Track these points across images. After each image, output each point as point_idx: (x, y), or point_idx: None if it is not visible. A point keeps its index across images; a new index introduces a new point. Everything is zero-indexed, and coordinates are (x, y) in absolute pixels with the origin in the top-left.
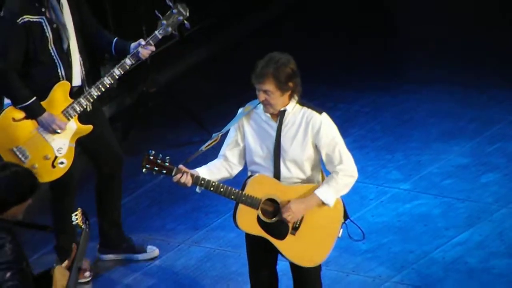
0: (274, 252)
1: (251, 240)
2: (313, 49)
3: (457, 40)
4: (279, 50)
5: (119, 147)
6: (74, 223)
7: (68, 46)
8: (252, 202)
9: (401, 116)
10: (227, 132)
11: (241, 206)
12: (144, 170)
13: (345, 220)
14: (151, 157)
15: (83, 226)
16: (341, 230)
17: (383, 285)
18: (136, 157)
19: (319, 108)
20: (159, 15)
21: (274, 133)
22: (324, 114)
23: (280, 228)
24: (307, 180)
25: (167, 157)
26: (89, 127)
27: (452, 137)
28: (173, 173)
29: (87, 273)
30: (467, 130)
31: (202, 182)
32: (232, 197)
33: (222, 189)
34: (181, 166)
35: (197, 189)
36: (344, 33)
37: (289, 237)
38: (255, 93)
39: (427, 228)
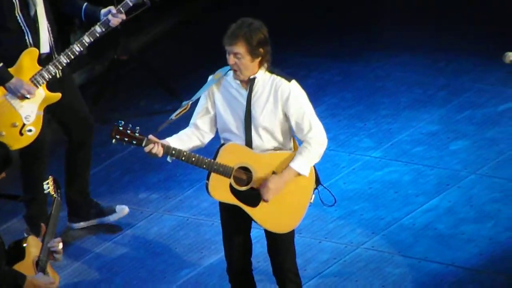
0: (248, 220)
1: (225, 208)
2: (287, 18)
3: (430, 8)
4: (253, 17)
5: (90, 115)
6: (45, 191)
7: (36, 12)
8: (224, 171)
9: (372, 84)
10: (198, 100)
11: (213, 175)
12: (113, 141)
13: (317, 186)
14: (121, 128)
15: (55, 195)
16: (313, 196)
17: (355, 251)
18: (107, 126)
19: (288, 76)
20: None
21: (244, 101)
22: (294, 82)
23: (252, 196)
24: (279, 147)
25: (137, 128)
26: (58, 95)
27: (422, 105)
28: (144, 144)
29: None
30: (436, 98)
31: (173, 152)
32: (204, 166)
33: (193, 159)
34: (151, 136)
35: (168, 159)
36: (317, 2)
37: (262, 204)
38: (226, 61)
39: (398, 195)
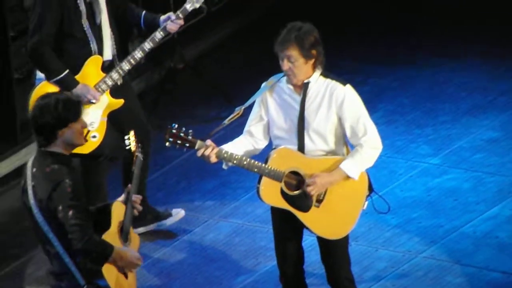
0: (300, 227)
1: (277, 214)
2: (342, 23)
3: (491, 12)
4: (308, 22)
5: (147, 122)
6: (127, 147)
7: (100, 20)
8: (275, 175)
9: (431, 90)
10: (251, 106)
11: (264, 180)
12: (167, 143)
13: (370, 193)
14: (174, 131)
15: (136, 151)
16: (366, 203)
17: (413, 260)
18: (164, 133)
19: (343, 79)
20: None
21: (297, 106)
22: (348, 86)
23: (304, 201)
24: (332, 153)
25: (190, 131)
26: (121, 101)
27: (482, 111)
28: (196, 147)
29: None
30: (497, 104)
31: (225, 155)
32: (256, 170)
33: (245, 162)
34: (207, 141)
35: (224, 166)
36: (374, 6)
37: (313, 209)
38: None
39: (457, 203)
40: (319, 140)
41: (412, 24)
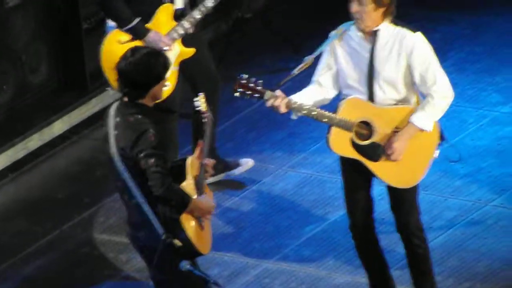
0: (369, 175)
1: (346, 164)
2: None
3: None
4: None
5: (217, 72)
6: (197, 108)
7: None
8: (345, 125)
9: (503, 37)
10: (320, 56)
11: (334, 129)
12: (236, 94)
13: (441, 142)
14: (243, 81)
15: (207, 111)
16: (437, 152)
17: (483, 208)
18: (232, 84)
19: (413, 27)
20: None
21: (367, 54)
22: (418, 33)
23: (374, 150)
24: (402, 101)
25: (260, 81)
26: (192, 50)
27: None
28: (265, 97)
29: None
30: None
31: (295, 105)
32: (325, 120)
33: (314, 112)
34: (276, 91)
35: (293, 116)
36: None
37: (384, 158)
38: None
39: None
40: (389, 88)
41: None
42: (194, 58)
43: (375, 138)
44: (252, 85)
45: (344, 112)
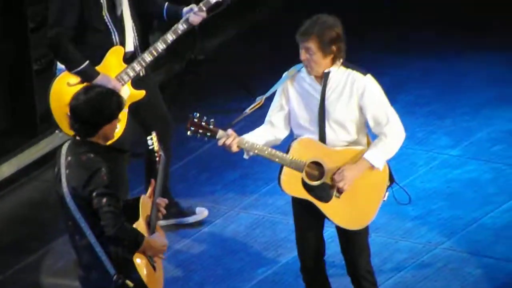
0: (321, 217)
1: (298, 205)
2: (363, 12)
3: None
4: (330, 12)
5: (168, 114)
6: (150, 147)
7: (122, 12)
8: (296, 165)
9: (451, 81)
10: (272, 95)
11: (286, 170)
12: (188, 132)
13: (390, 183)
14: (196, 120)
15: (160, 151)
16: (387, 194)
17: (433, 251)
18: (185, 124)
19: (363, 69)
20: None
21: (318, 96)
22: (369, 76)
23: (325, 191)
24: (353, 143)
25: (212, 120)
26: (142, 92)
27: (502, 102)
28: (217, 136)
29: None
30: None
31: (246, 144)
32: (277, 159)
33: (266, 152)
34: (228, 130)
35: (245, 155)
36: None
37: (334, 200)
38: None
39: (477, 194)
40: (340, 130)
41: (434, 15)
42: (145, 101)
43: (325, 179)
44: (204, 123)
45: (296, 153)
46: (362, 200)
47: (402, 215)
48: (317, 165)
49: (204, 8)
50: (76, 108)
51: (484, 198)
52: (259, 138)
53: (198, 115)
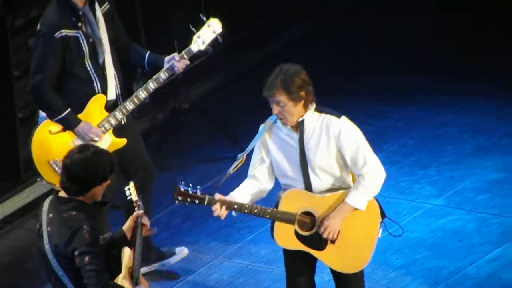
0: (313, 261)
1: (289, 252)
2: (343, 63)
3: (496, 55)
4: (309, 64)
5: (151, 162)
6: (128, 197)
7: (104, 60)
8: (288, 218)
9: (435, 130)
10: (252, 150)
11: (277, 223)
12: (176, 202)
13: (382, 219)
14: (182, 189)
15: (138, 201)
16: (380, 230)
17: None
18: (169, 173)
19: (337, 112)
20: (193, 29)
21: (297, 145)
22: (343, 118)
23: (319, 240)
24: (339, 183)
25: (197, 186)
26: (124, 141)
27: (485, 152)
28: (206, 202)
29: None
30: (500, 146)
31: (235, 206)
32: (267, 216)
33: (256, 210)
34: (215, 195)
35: (233, 213)
36: (377, 44)
37: (329, 246)
38: None
39: (461, 244)
40: (324, 175)
41: (417, 64)
42: (128, 149)
43: (317, 227)
44: (190, 192)
45: (285, 206)
46: (357, 241)
47: (387, 264)
48: (308, 214)
49: (186, 57)
50: (70, 167)
51: (468, 247)
52: (245, 193)
53: (183, 183)
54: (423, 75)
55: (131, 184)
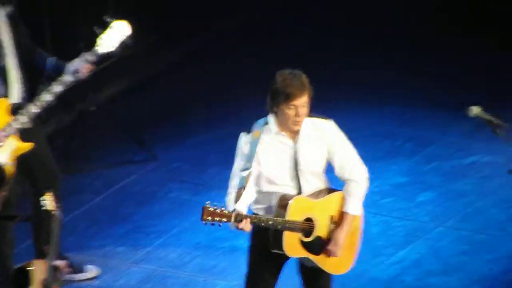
0: (278, 268)
1: (257, 254)
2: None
3: (399, 62)
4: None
5: (56, 167)
6: (43, 208)
7: (5, 63)
8: (295, 227)
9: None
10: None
11: (286, 234)
12: (204, 222)
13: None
14: (210, 209)
15: (54, 211)
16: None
17: None
18: (75, 176)
19: (325, 116)
20: (98, 31)
21: (291, 151)
22: (331, 121)
23: (318, 244)
24: (321, 184)
25: (223, 205)
26: (29, 145)
27: (389, 156)
28: (232, 220)
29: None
30: (404, 150)
31: (255, 220)
32: (279, 227)
33: (271, 222)
34: (238, 211)
35: (232, 228)
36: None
37: (325, 250)
38: (194, 113)
39: (366, 247)
40: (313, 178)
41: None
42: (33, 153)
43: (317, 232)
44: (219, 211)
45: (292, 214)
46: (349, 244)
47: (291, 268)
48: (307, 220)
49: (89, 58)
50: None
51: (373, 250)
52: (247, 203)
53: (208, 202)
54: (325, 82)
55: (48, 193)
